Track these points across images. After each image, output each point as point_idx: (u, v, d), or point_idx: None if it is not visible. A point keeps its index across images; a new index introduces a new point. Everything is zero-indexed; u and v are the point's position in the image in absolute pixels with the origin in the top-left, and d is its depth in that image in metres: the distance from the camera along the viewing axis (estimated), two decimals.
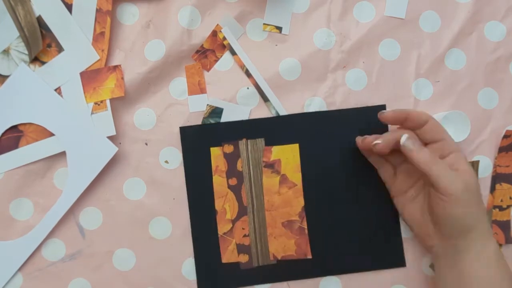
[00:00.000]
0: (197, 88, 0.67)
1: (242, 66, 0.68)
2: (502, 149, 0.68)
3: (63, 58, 0.65)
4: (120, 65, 0.66)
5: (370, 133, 0.62)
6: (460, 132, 0.64)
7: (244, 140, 0.66)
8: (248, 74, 0.68)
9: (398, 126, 0.62)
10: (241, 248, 0.65)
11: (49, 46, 0.65)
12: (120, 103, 0.67)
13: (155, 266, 0.65)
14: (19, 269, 0.64)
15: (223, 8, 0.68)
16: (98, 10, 0.65)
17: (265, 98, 0.67)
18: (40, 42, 0.64)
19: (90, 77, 0.65)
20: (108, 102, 0.65)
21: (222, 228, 0.65)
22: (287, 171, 0.66)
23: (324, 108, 0.67)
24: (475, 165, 0.67)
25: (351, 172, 0.66)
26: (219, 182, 0.66)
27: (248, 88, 0.67)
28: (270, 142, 0.66)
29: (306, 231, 0.66)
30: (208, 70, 0.68)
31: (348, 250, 0.66)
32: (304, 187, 0.66)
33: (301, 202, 0.66)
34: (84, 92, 0.65)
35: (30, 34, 0.64)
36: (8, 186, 0.65)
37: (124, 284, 0.65)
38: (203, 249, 0.65)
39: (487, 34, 0.69)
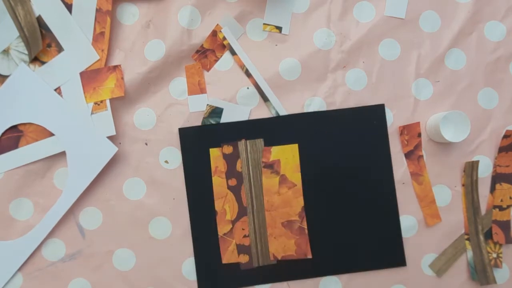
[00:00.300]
0: (197, 88, 0.67)
1: (242, 66, 0.68)
2: (502, 149, 0.68)
3: (63, 58, 0.65)
4: (120, 65, 0.66)
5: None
6: (460, 132, 0.64)
7: (243, 141, 0.66)
8: (248, 74, 0.67)
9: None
10: (241, 249, 0.65)
11: (49, 46, 0.65)
12: (120, 103, 0.67)
13: (155, 266, 0.65)
14: (19, 269, 0.64)
15: (223, 8, 0.68)
16: (98, 10, 0.65)
17: (265, 98, 0.67)
18: (40, 42, 0.64)
19: (90, 77, 0.65)
20: (108, 102, 0.65)
21: (222, 228, 0.65)
22: (287, 171, 0.66)
23: (324, 108, 0.67)
24: (475, 165, 0.67)
25: (351, 172, 0.66)
26: (219, 182, 0.66)
27: (248, 88, 0.67)
28: (269, 143, 0.66)
29: (306, 231, 0.66)
30: (208, 70, 0.68)
31: (348, 250, 0.66)
32: (303, 187, 0.66)
33: (300, 202, 0.66)
34: (84, 92, 0.65)
35: (30, 34, 0.64)
36: (8, 186, 0.65)
37: (124, 284, 0.65)
38: (203, 250, 0.65)
39: (487, 34, 0.69)
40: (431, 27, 0.69)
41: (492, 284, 0.65)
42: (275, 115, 0.67)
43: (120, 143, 0.66)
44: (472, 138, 0.68)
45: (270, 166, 0.66)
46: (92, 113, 0.64)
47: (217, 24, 0.67)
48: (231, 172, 0.66)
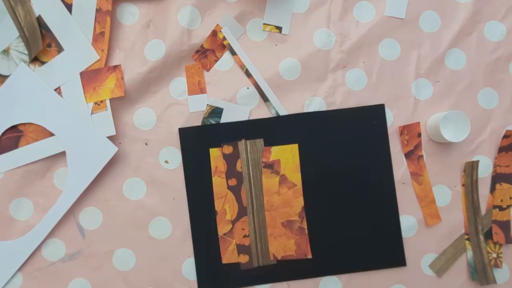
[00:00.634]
0: (197, 88, 0.67)
1: (242, 66, 0.68)
2: (502, 149, 0.68)
3: (63, 58, 0.65)
4: (120, 65, 0.66)
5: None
6: (460, 132, 0.64)
7: (243, 141, 0.66)
8: (248, 74, 0.67)
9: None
10: (241, 249, 0.65)
11: (49, 46, 0.65)
12: (120, 103, 0.67)
13: (155, 266, 0.65)
14: (19, 269, 0.64)
15: (223, 8, 0.68)
16: (98, 10, 0.65)
17: (265, 98, 0.67)
18: (40, 42, 0.64)
19: (90, 77, 0.65)
20: (108, 102, 0.65)
21: (222, 228, 0.65)
22: (287, 171, 0.66)
23: (324, 108, 0.67)
24: (475, 165, 0.67)
25: (351, 172, 0.66)
26: (219, 182, 0.66)
27: (248, 88, 0.67)
28: (269, 142, 0.66)
29: (306, 231, 0.66)
30: (208, 70, 0.68)
31: (348, 250, 0.66)
32: (303, 187, 0.66)
33: (300, 202, 0.66)
34: (84, 92, 0.65)
35: (30, 34, 0.64)
36: (8, 186, 0.65)
37: (124, 284, 0.65)
38: (203, 250, 0.65)
39: (487, 34, 0.69)
40: (431, 27, 0.69)
41: (492, 284, 0.65)
42: (275, 115, 0.67)
43: (120, 143, 0.66)
44: (472, 138, 0.68)
45: (270, 166, 0.66)
46: (92, 113, 0.64)
47: (217, 24, 0.67)
48: (231, 172, 0.66)
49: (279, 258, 0.65)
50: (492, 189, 0.67)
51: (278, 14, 0.68)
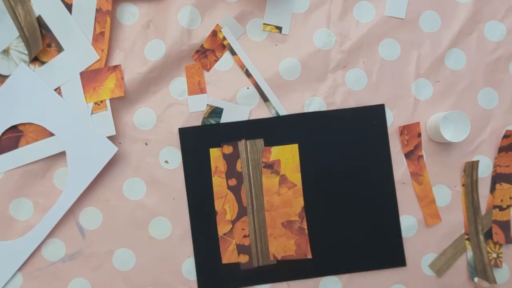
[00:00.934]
0: (197, 88, 0.67)
1: (242, 66, 0.68)
2: (502, 149, 0.68)
3: (63, 58, 0.65)
4: (120, 65, 0.66)
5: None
6: (460, 132, 0.64)
7: (243, 141, 0.66)
8: (248, 74, 0.67)
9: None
10: (241, 249, 0.65)
11: (49, 46, 0.65)
12: (120, 103, 0.67)
13: (155, 266, 0.65)
14: (19, 269, 0.64)
15: (223, 8, 0.68)
16: (98, 10, 0.65)
17: (265, 98, 0.67)
18: (40, 42, 0.64)
19: (90, 77, 0.65)
20: (108, 102, 0.65)
21: (222, 228, 0.65)
22: (287, 171, 0.66)
23: (324, 108, 0.67)
24: (475, 165, 0.67)
25: (351, 172, 0.66)
26: (219, 183, 0.66)
27: (248, 88, 0.67)
28: (269, 143, 0.66)
29: (306, 231, 0.66)
30: (208, 70, 0.68)
31: (348, 250, 0.66)
32: (303, 187, 0.66)
33: (300, 202, 0.66)
34: (84, 92, 0.65)
35: (30, 34, 0.64)
36: (8, 186, 0.65)
37: (124, 284, 0.65)
38: (203, 250, 0.65)
39: (487, 34, 0.69)
40: (431, 27, 0.69)
41: (492, 284, 0.65)
42: (275, 115, 0.67)
43: (120, 143, 0.66)
44: (472, 138, 0.68)
45: (270, 166, 0.66)
46: (92, 113, 0.64)
47: (217, 24, 0.67)
48: (231, 172, 0.66)
49: (279, 258, 0.65)
50: (492, 189, 0.67)
51: (278, 14, 0.68)
